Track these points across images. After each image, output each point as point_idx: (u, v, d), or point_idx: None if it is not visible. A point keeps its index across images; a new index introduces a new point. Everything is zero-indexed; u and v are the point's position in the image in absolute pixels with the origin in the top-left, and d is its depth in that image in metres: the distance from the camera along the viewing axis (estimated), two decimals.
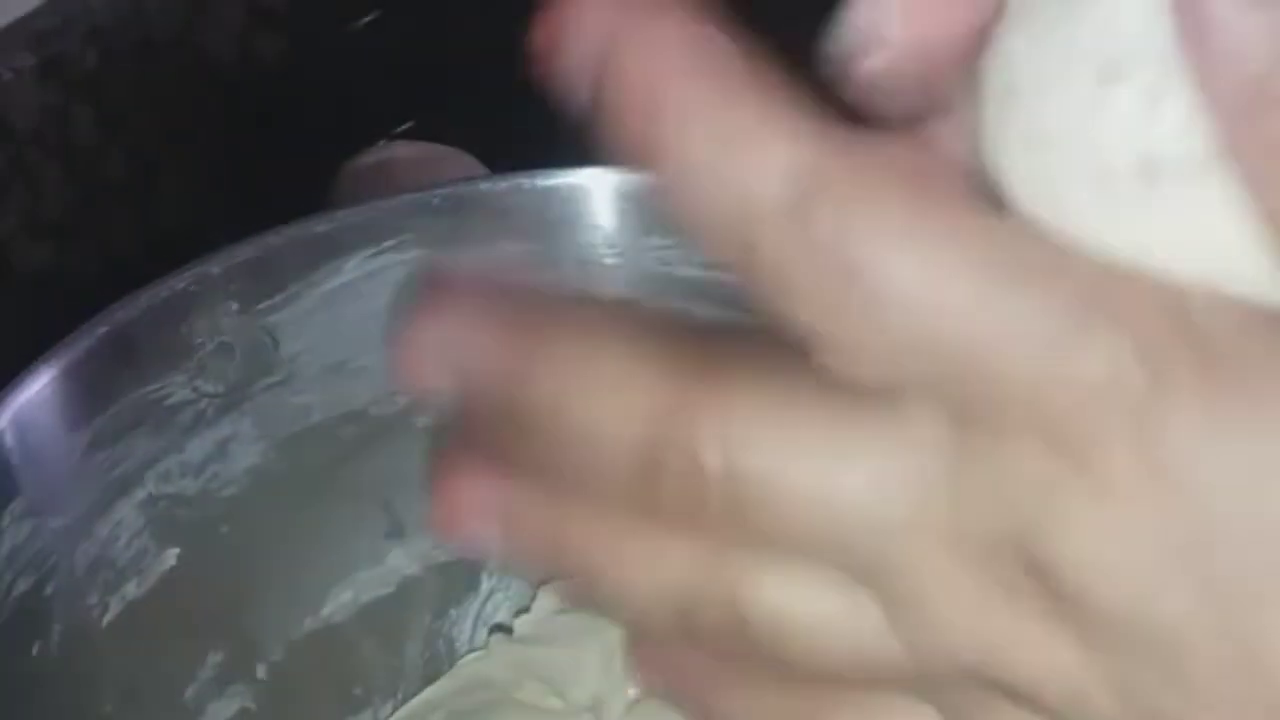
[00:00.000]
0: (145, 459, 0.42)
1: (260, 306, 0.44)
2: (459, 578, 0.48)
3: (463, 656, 0.48)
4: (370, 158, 0.63)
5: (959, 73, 0.21)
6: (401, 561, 0.47)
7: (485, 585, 0.48)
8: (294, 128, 0.64)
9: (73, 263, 0.60)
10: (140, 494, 0.42)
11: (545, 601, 0.47)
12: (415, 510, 0.45)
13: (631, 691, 0.45)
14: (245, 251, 0.44)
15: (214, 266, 0.43)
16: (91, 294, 0.61)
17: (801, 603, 0.22)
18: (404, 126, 0.65)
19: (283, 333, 0.44)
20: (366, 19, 0.67)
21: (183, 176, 0.64)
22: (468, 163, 0.63)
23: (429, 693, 0.47)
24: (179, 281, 0.43)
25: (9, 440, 0.39)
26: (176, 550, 0.42)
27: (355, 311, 0.44)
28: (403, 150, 0.63)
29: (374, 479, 0.46)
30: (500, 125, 0.66)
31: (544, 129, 0.66)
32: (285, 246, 0.44)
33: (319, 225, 0.44)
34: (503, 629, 0.48)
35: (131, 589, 0.42)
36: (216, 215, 0.60)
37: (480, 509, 0.24)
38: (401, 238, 0.45)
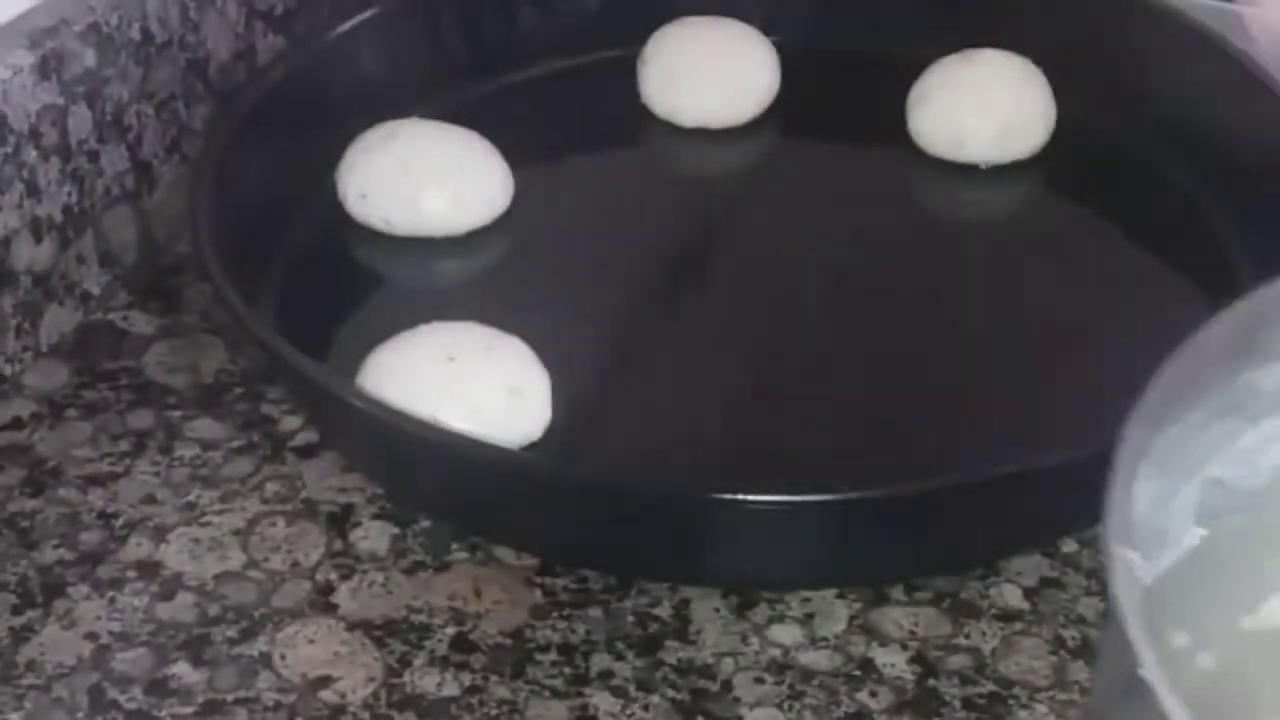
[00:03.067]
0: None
1: None
2: None
3: None
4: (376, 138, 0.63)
5: None
6: None
7: None
8: (294, 127, 0.63)
9: (72, 263, 0.60)
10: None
11: None
12: None
13: None
14: None
15: None
16: (91, 295, 0.60)
17: None
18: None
19: None
20: (365, 15, 0.67)
21: (182, 176, 0.64)
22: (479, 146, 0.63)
23: None
24: None
25: None
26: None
27: None
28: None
29: None
30: (510, 120, 0.66)
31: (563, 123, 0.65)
32: None
33: None
34: None
35: None
36: (216, 217, 0.59)
37: None
38: None
